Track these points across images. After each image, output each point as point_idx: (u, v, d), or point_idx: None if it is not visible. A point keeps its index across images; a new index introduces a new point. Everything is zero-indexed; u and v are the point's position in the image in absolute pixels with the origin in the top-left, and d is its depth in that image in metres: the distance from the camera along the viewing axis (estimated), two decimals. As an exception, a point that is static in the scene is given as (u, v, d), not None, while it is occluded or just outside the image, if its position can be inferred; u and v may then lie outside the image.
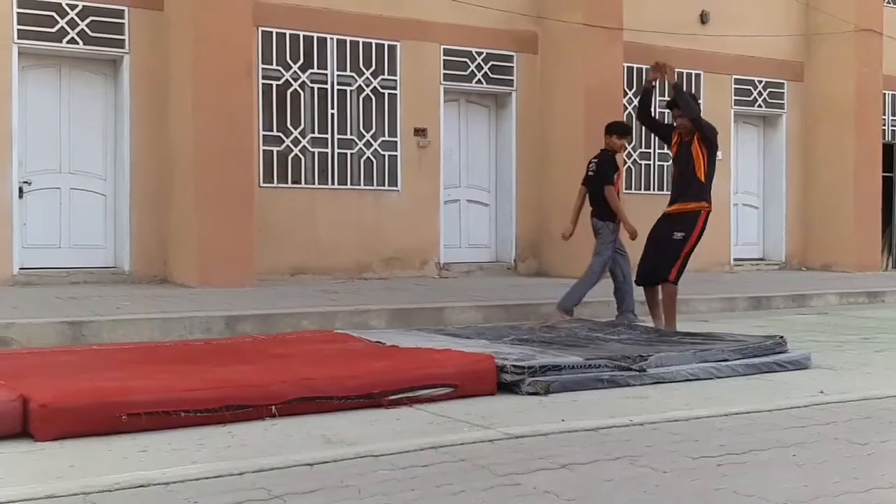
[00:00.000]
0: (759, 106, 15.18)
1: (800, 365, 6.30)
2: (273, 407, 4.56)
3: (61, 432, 4.08)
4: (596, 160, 8.80)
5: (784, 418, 4.71)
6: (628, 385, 5.54)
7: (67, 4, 10.21)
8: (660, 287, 7.91)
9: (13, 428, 4.11)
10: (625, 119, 13.25)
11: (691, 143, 7.74)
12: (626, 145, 9.26)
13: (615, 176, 8.70)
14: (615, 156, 8.80)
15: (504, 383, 5.32)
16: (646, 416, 4.67)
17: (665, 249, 7.74)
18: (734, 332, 7.62)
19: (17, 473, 3.62)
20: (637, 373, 5.64)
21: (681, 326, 7.91)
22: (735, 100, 14.86)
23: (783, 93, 15.38)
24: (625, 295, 8.70)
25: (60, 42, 10.23)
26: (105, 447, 3.99)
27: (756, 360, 6.19)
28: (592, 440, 4.17)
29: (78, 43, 10.30)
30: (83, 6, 10.27)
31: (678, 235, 7.69)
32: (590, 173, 8.80)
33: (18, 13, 9.99)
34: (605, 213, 8.63)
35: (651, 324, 7.98)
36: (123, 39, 10.50)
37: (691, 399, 5.22)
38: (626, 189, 13.27)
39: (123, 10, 10.48)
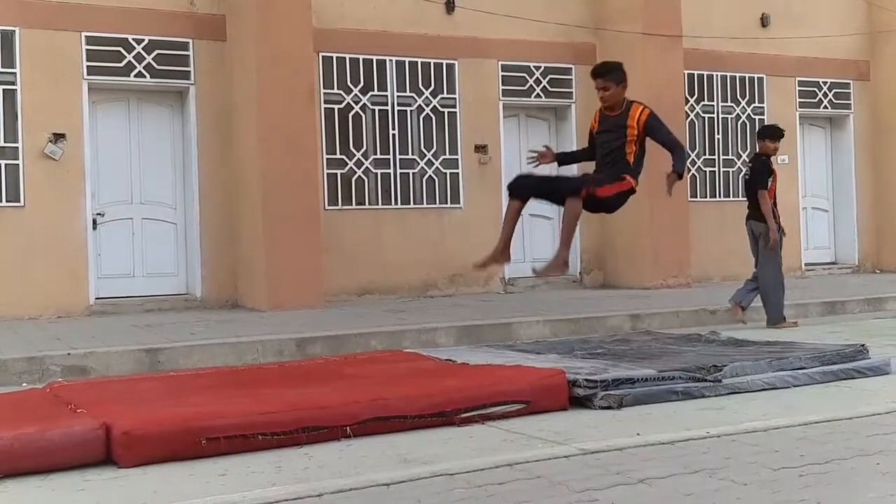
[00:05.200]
0: (825, 107, 14.90)
1: (880, 371, 6.15)
2: (348, 428, 4.60)
3: (144, 458, 4.18)
4: (750, 164, 9.19)
5: (866, 426, 4.60)
6: (703, 396, 5.46)
7: (134, 39, 10.49)
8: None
9: (97, 455, 4.22)
10: (685, 127, 13.15)
11: (625, 124, 6.61)
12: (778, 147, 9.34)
13: (770, 180, 8.94)
14: (769, 159, 9.06)
15: (576, 398, 5.29)
16: (723, 427, 4.61)
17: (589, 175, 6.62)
18: (809, 339, 7.48)
19: (103, 500, 3.72)
20: (711, 383, 5.56)
21: (756, 336, 7.78)
22: (800, 102, 14.60)
23: (849, 93, 15.06)
24: (748, 293, 9.10)
25: (128, 76, 10.51)
26: (187, 472, 4.07)
27: (834, 367, 6.06)
28: (669, 454, 4.13)
29: (145, 76, 10.56)
30: (149, 40, 10.54)
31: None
32: (745, 178, 9.21)
33: (87, 50, 10.28)
34: (762, 214, 8.93)
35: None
36: (189, 71, 10.75)
37: (769, 409, 5.13)
38: (691, 197, 13.15)
39: (188, 43, 10.72)
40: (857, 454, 4.01)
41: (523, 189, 6.74)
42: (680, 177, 6.67)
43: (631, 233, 12.63)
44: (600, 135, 6.74)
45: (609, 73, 6.66)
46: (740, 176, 9.41)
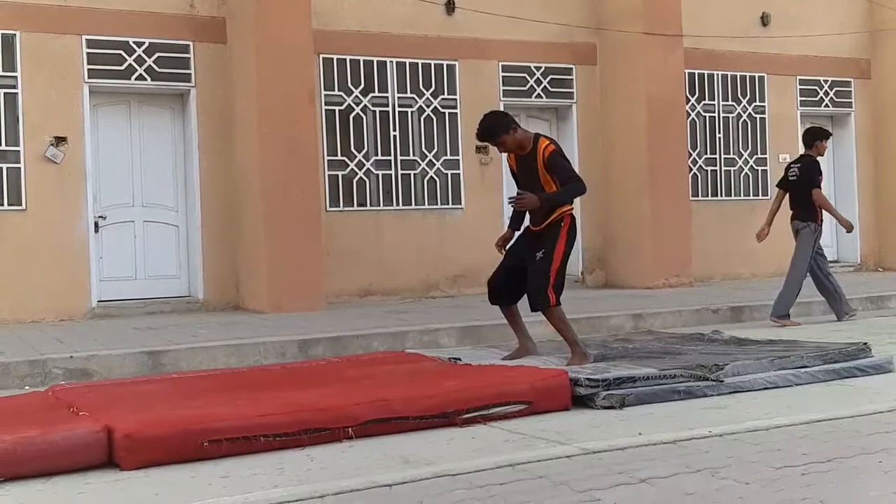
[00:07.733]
0: (826, 106, 14.87)
1: (882, 369, 6.14)
2: (350, 429, 4.60)
3: (145, 461, 4.18)
4: (798, 165, 9.38)
5: (868, 424, 4.60)
6: (705, 396, 5.46)
7: (134, 42, 10.49)
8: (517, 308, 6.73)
9: (99, 458, 4.22)
10: (687, 126, 13.14)
11: (536, 165, 6.32)
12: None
13: (820, 179, 9.25)
14: (817, 160, 9.33)
15: (578, 397, 5.29)
16: (725, 426, 4.60)
17: (532, 273, 6.37)
18: (811, 337, 7.47)
19: (104, 503, 3.71)
20: (713, 383, 5.55)
21: (758, 334, 7.77)
22: (801, 101, 14.58)
23: (850, 91, 15.04)
24: (832, 293, 9.30)
25: (129, 79, 10.51)
26: (188, 474, 4.07)
27: (836, 366, 6.05)
28: (671, 453, 4.12)
29: (146, 79, 10.57)
30: (150, 43, 10.54)
31: (539, 254, 6.33)
32: (791, 178, 9.37)
33: (88, 53, 10.29)
34: (807, 214, 9.16)
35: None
36: (189, 74, 10.75)
37: (771, 407, 5.12)
38: (692, 196, 13.15)
39: (188, 45, 10.73)
40: (860, 453, 4.01)
41: (501, 297, 6.65)
42: (541, 205, 6.17)
43: (632, 232, 12.64)
44: (520, 175, 6.47)
45: (493, 133, 6.28)
46: (788, 176, 9.39)
